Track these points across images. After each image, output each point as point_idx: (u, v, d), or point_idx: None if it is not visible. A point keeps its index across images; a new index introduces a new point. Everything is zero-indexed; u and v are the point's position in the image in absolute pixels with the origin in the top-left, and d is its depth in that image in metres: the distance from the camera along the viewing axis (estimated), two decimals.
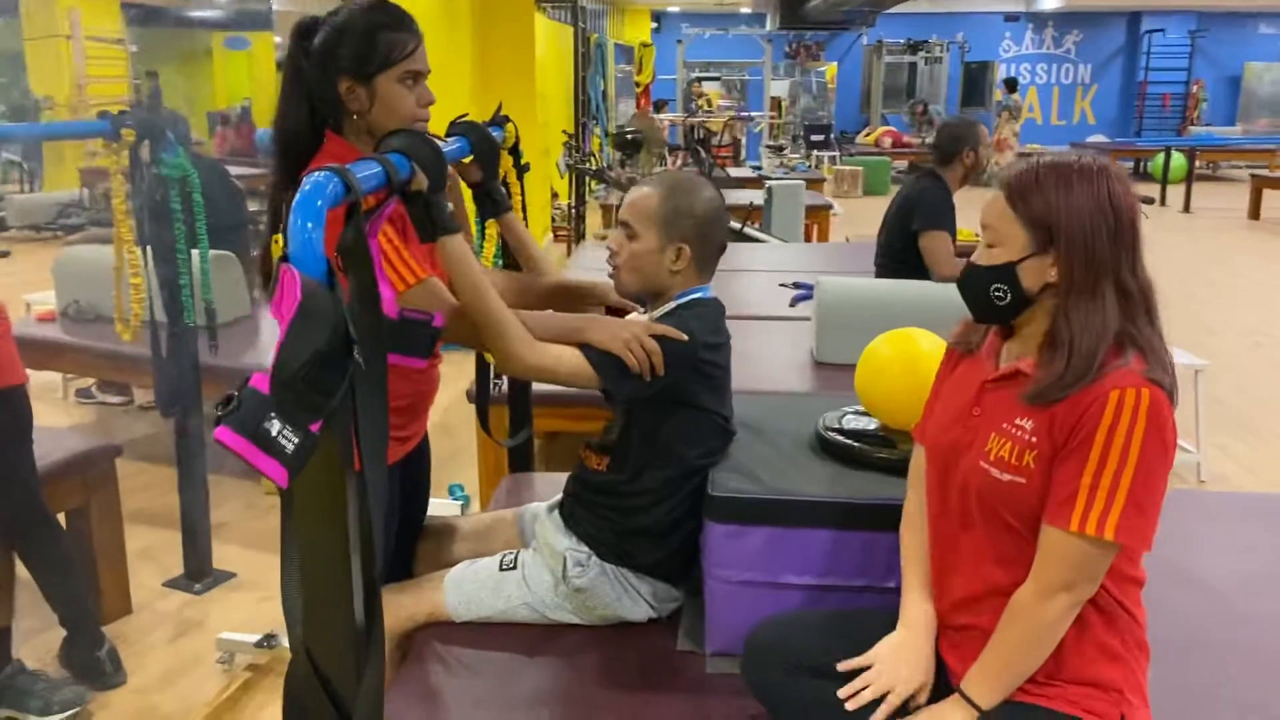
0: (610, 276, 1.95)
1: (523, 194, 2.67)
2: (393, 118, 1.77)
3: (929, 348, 1.96)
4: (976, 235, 1.54)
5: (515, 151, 2.57)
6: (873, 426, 2.03)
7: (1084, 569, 1.38)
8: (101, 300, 3.99)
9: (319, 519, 1.28)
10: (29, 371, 2.56)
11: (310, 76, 1.77)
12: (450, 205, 1.69)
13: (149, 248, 3.05)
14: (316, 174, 1.27)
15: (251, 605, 3.12)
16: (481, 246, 2.69)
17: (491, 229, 2.38)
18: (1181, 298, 7.69)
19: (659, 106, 15.40)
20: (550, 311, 2.02)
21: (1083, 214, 1.41)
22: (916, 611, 1.58)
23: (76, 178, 9.12)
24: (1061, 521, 1.36)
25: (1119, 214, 1.40)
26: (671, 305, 1.88)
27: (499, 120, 2.49)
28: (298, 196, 1.23)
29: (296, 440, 1.14)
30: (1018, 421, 1.43)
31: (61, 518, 2.90)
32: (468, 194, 2.27)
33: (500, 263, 2.40)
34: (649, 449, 1.88)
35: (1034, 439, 1.40)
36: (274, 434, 1.12)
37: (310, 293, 1.15)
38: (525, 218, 2.72)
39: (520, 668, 1.85)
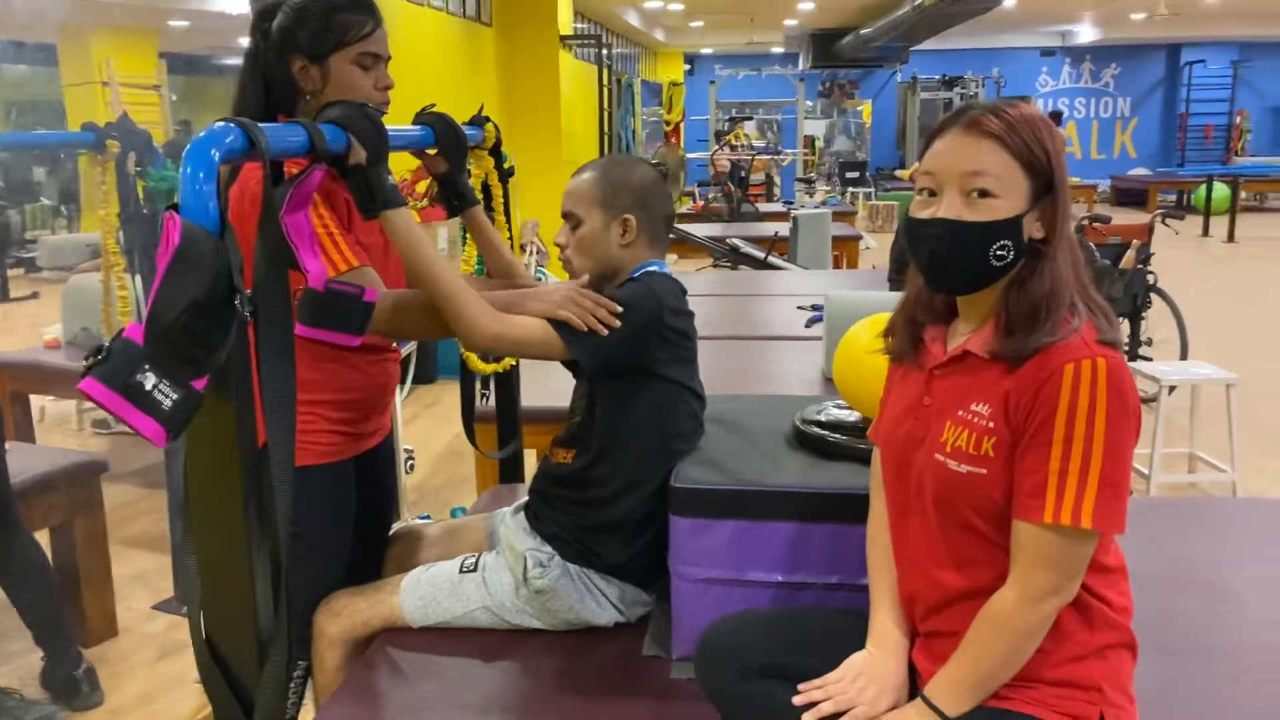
0: (564, 268, 1.88)
1: (506, 197, 2.60)
2: (347, 99, 1.72)
3: None
4: None
5: (497, 153, 2.50)
6: (853, 418, 1.92)
7: (1067, 565, 1.23)
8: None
9: (216, 496, 1.20)
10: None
11: (266, 58, 1.74)
12: (392, 179, 1.62)
13: (137, 263, 3.02)
14: (216, 123, 1.21)
15: None
16: (464, 248, 2.63)
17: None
18: (1220, 322, 7.45)
19: (719, 136, 15.11)
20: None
21: (1061, 158, 1.31)
22: (885, 630, 1.42)
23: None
24: (1034, 515, 1.22)
25: None
26: (627, 279, 1.81)
27: (478, 120, 2.43)
28: (190, 144, 1.17)
29: (175, 396, 1.06)
30: (973, 407, 1.28)
31: (46, 535, 2.85)
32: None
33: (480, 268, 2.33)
34: (614, 424, 1.77)
35: (992, 424, 1.26)
36: (148, 388, 1.04)
37: (191, 238, 1.07)
38: (510, 223, 2.66)
39: (473, 672, 1.74)
